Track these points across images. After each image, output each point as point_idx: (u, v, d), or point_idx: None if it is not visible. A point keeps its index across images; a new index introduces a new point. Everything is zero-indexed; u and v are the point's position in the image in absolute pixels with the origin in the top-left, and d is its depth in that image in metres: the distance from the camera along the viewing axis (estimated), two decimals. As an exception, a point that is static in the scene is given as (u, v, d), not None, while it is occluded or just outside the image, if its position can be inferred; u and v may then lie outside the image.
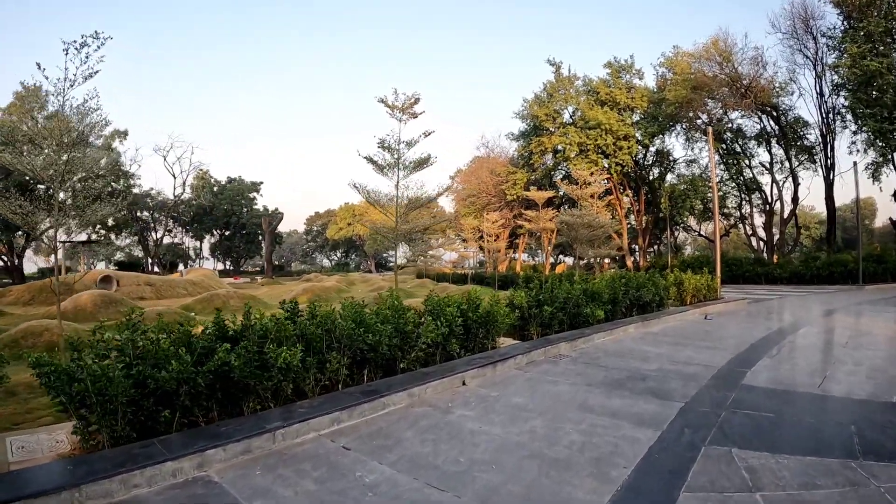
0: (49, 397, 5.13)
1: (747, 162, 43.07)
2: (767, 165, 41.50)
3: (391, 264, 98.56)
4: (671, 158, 48.43)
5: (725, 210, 47.31)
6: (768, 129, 40.39)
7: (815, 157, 38.73)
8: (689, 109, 39.47)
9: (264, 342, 6.05)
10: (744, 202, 46.25)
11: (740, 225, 48.89)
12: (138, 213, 63.92)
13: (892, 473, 3.97)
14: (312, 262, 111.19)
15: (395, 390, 6.33)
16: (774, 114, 38.70)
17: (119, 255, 78.32)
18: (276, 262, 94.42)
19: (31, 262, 75.27)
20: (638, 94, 43.05)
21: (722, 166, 43.14)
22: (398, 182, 10.46)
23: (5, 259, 44.32)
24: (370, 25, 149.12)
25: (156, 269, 62.17)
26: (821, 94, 36.46)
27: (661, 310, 14.39)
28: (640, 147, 44.79)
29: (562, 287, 11.39)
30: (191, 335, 5.88)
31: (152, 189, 68.34)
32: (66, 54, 8.20)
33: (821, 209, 73.87)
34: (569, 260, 63.91)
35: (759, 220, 45.81)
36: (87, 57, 8.14)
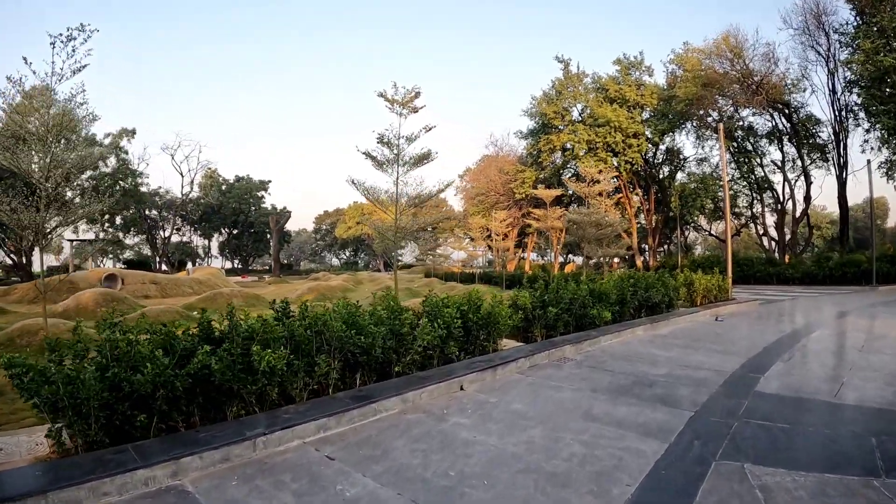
0: (22, 400, 4.88)
1: (759, 160, 42.46)
2: (779, 164, 40.91)
3: (400, 263, 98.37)
4: (681, 157, 47.87)
5: (736, 209, 46.71)
6: (780, 126, 39.79)
7: (828, 155, 38.11)
8: (700, 107, 38.91)
9: (250, 344, 5.80)
10: (755, 201, 45.64)
11: (751, 224, 48.25)
12: (147, 212, 63.97)
13: (922, 494, 3.61)
14: (322, 261, 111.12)
15: (387, 395, 6.01)
16: (786, 111, 38.08)
17: (129, 254, 78.68)
18: (285, 261, 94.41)
19: (46, 260, 75.73)
20: (648, 91, 42.51)
21: (733, 165, 42.56)
22: (398, 178, 10.15)
23: (13, 257, 44.39)
24: (372, 25, 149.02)
25: (164, 267, 62.22)
26: (833, 90, 35.84)
27: (671, 311, 14.00)
28: (649, 145, 44.27)
29: (567, 287, 11.03)
30: (173, 336, 5.61)
31: (160, 187, 68.54)
32: (53, 48, 7.98)
33: (832, 209, 73.11)
34: (578, 259, 63.36)
35: (770, 219, 45.21)
36: (73, 50, 7.94)
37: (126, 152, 50.78)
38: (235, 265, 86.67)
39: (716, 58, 37.94)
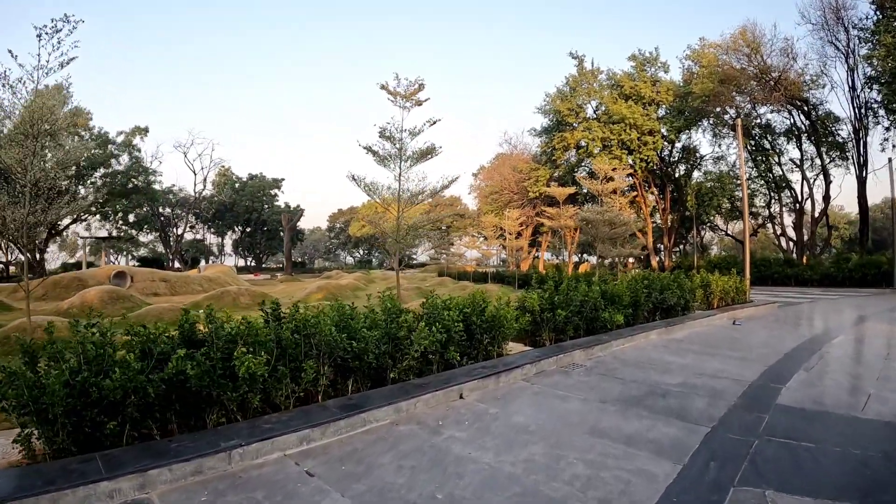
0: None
1: (777, 159, 41.61)
2: (797, 162, 40.03)
3: (415, 261, 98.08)
4: (698, 155, 47.00)
5: (754, 209, 45.81)
6: (798, 124, 38.89)
7: (847, 153, 37.20)
8: (717, 103, 38.12)
9: (234, 347, 5.44)
10: (773, 201, 44.75)
11: (769, 224, 47.32)
12: (160, 210, 64.19)
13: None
14: (336, 259, 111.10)
15: (378, 404, 5.61)
16: (805, 108, 37.18)
17: (143, 251, 79.11)
18: (299, 259, 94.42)
19: (61, 257, 76.53)
20: (663, 87, 41.74)
21: (750, 163, 41.70)
22: (400, 174, 9.74)
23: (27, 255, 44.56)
24: (390, 21, 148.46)
25: (176, 264, 62.35)
26: (853, 87, 34.89)
27: (687, 314, 13.46)
28: (665, 143, 43.49)
29: (578, 289, 10.54)
30: (152, 339, 5.27)
31: (174, 185, 68.78)
32: (40, 40, 7.71)
33: (849, 209, 71.72)
34: (593, 259, 62.67)
35: (788, 219, 44.32)
36: (59, 42, 7.67)
37: (139, 150, 50.92)
38: (249, 263, 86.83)
39: (733, 53, 37.11)
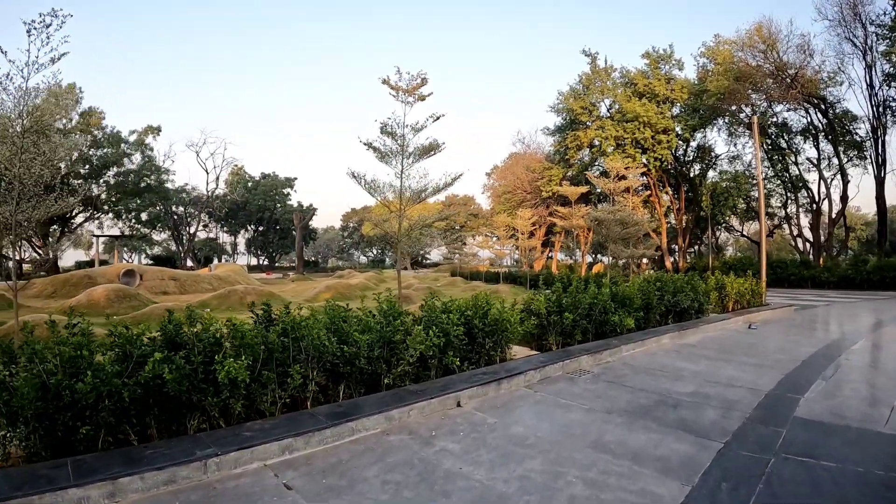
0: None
1: (793, 158, 40.74)
2: (814, 161, 39.17)
3: (428, 261, 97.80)
4: (713, 154, 46.25)
5: (770, 209, 44.98)
6: (815, 122, 38.07)
7: (865, 152, 36.34)
8: (732, 101, 37.37)
9: (218, 350, 5.18)
10: (789, 201, 43.89)
11: (785, 225, 46.44)
12: (173, 208, 64.38)
13: None
14: (349, 259, 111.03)
15: (368, 412, 5.29)
16: (822, 106, 36.34)
17: (157, 250, 79.45)
18: (312, 258, 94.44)
19: (75, 255, 77.12)
20: (678, 85, 41.05)
21: (766, 163, 40.90)
22: (402, 171, 9.42)
23: (40, 252, 44.86)
24: (402, 20, 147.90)
25: (189, 263, 62.50)
26: (871, 85, 34.01)
27: (701, 317, 13.01)
28: (680, 142, 42.79)
29: (587, 291, 10.15)
30: (132, 341, 5.03)
31: (187, 184, 68.98)
32: (30, 35, 7.52)
33: (866, 210, 70.41)
34: (607, 259, 62.18)
35: (804, 219, 43.42)
36: (48, 38, 7.48)
37: (151, 149, 51.05)
38: (261, 262, 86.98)
39: (748, 49, 36.32)
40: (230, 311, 18.19)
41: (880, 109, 34.14)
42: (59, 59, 7.76)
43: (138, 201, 50.98)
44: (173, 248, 70.94)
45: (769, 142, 40.15)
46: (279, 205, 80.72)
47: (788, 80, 34.50)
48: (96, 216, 50.54)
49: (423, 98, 9.45)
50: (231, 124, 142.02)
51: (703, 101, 39.00)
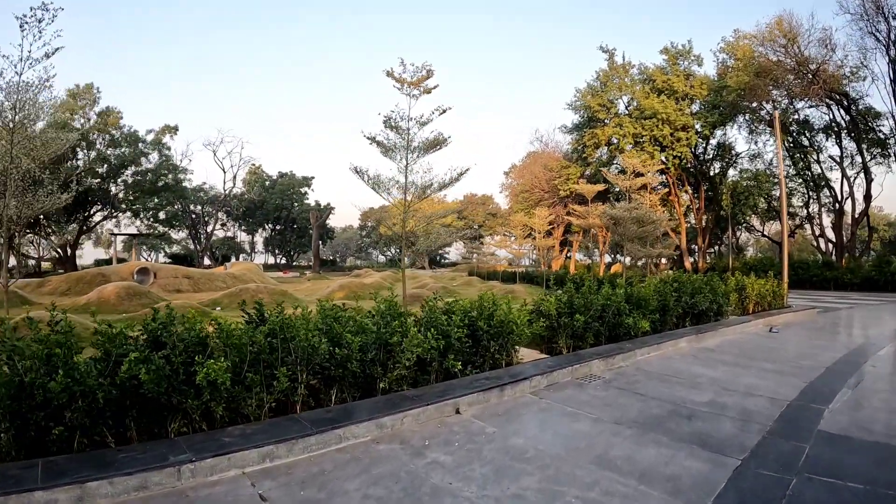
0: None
1: (815, 156, 39.72)
2: (837, 159, 38.16)
3: (446, 260, 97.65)
4: (733, 152, 45.28)
5: (791, 209, 43.92)
6: (838, 119, 37.05)
7: (889, 150, 35.34)
8: (753, 98, 36.47)
9: (202, 351, 4.92)
10: (811, 200, 42.82)
11: (807, 225, 45.33)
12: (191, 207, 64.73)
13: None
14: (367, 258, 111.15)
15: (358, 419, 4.96)
16: (844, 102, 35.32)
17: (176, 248, 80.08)
18: (329, 257, 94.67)
19: (96, 254, 78.04)
20: (697, 82, 40.21)
21: (788, 161, 39.88)
22: (407, 166, 9.07)
23: (59, 250, 45.29)
24: (416, 19, 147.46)
25: (206, 261, 62.80)
26: (894, 80, 33.00)
27: (720, 319, 12.50)
28: (699, 139, 41.93)
29: (600, 292, 9.71)
30: (113, 339, 4.81)
31: (205, 183, 69.35)
32: (23, 30, 7.38)
33: (889, 210, 68.75)
34: (627, 259, 61.56)
35: (826, 219, 42.34)
36: (40, 32, 7.33)
37: (168, 149, 51.30)
38: (279, 261, 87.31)
39: (768, 44, 35.39)
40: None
41: (904, 105, 33.13)
42: (53, 53, 7.65)
43: (156, 200, 51.28)
44: (192, 246, 71.38)
45: (790, 139, 39.20)
46: (296, 204, 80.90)
47: (810, 76, 33.57)
48: (114, 215, 50.89)
49: (428, 91, 9.10)
50: (250, 123, 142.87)
51: (722, 97, 38.19)
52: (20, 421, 4.15)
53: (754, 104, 37.88)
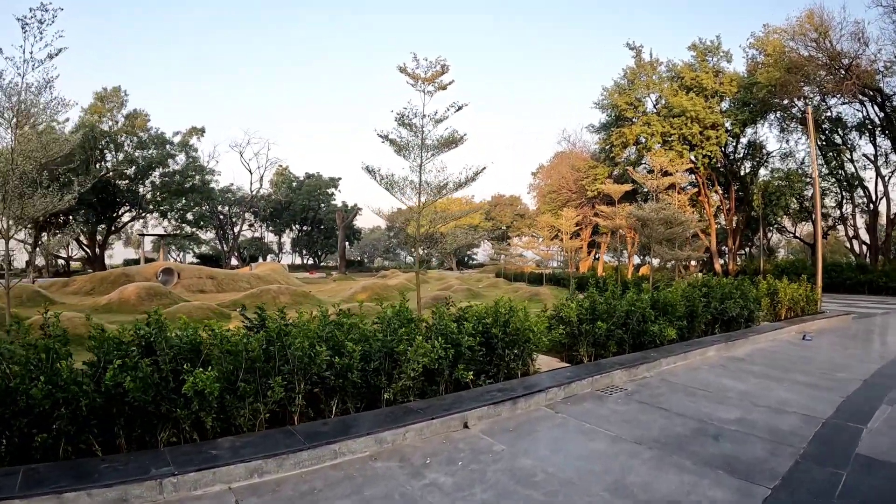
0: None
1: (848, 155, 38.30)
2: (871, 158, 36.80)
3: (474, 262, 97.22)
4: (764, 152, 44.01)
5: (823, 209, 42.46)
6: (871, 116, 35.69)
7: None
8: (784, 94, 35.31)
9: (196, 358, 4.72)
10: (844, 200, 41.38)
11: (839, 226, 43.83)
12: (218, 208, 65.34)
13: None
14: (395, 259, 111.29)
15: (356, 433, 4.67)
16: (879, 99, 33.89)
17: (204, 249, 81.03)
18: (357, 258, 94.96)
19: (126, 254, 79.42)
20: (726, 78, 39.06)
21: (820, 160, 38.54)
22: (421, 165, 8.74)
23: (87, 250, 46.03)
24: (441, 19, 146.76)
25: (234, 262, 63.38)
26: (930, 75, 31.67)
27: (751, 326, 11.94)
28: (729, 137, 40.79)
29: (625, 297, 9.26)
30: (102, 344, 4.69)
31: (232, 184, 69.99)
32: (24, 31, 7.29)
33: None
34: (656, 261, 60.47)
35: (860, 220, 40.86)
36: (41, 33, 7.24)
37: (195, 150, 51.83)
38: (306, 262, 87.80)
39: (799, 38, 34.20)
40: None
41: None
42: (56, 54, 7.56)
43: (183, 201, 51.81)
44: (220, 247, 72.14)
45: (823, 138, 37.87)
46: (323, 205, 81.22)
47: (842, 71, 32.35)
48: (142, 215, 51.58)
49: (444, 87, 8.76)
50: (250, 123, 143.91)
51: (753, 93, 37.06)
52: (4, 427, 4.04)
53: (785, 101, 36.73)
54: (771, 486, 3.89)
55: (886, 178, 36.60)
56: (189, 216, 55.81)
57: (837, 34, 32.80)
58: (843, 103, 36.16)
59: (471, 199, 74.68)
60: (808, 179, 39.23)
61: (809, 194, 40.04)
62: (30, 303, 17.70)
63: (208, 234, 71.65)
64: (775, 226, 50.12)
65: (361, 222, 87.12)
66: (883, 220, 37.23)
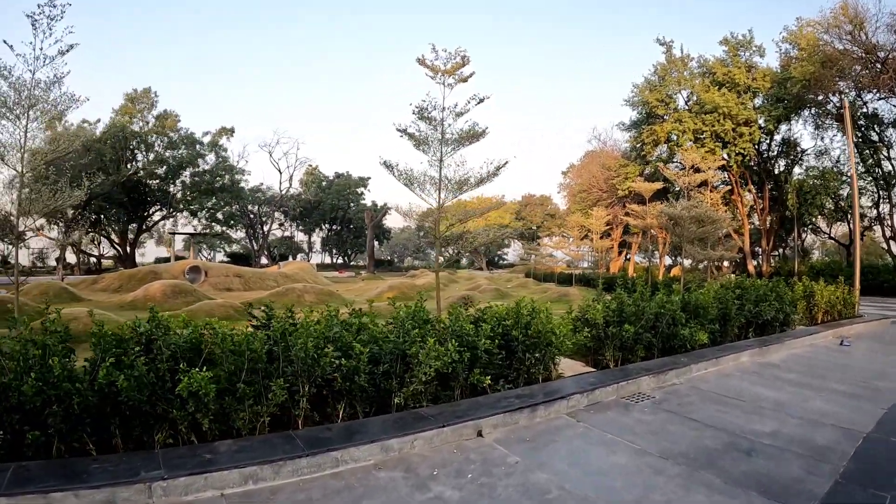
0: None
1: (886, 152, 36.91)
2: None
3: (504, 262, 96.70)
4: (798, 149, 42.66)
5: (860, 209, 40.95)
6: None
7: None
8: (818, 89, 34.13)
9: (196, 357, 4.58)
10: (881, 200, 39.85)
11: (876, 227, 42.24)
12: (248, 207, 66.00)
13: None
14: (425, 258, 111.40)
15: (361, 440, 4.42)
16: (917, 93, 32.65)
17: (235, 247, 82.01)
18: (387, 258, 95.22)
19: (157, 252, 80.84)
20: (759, 74, 37.91)
21: (856, 158, 37.17)
22: (441, 159, 8.44)
23: (118, 248, 46.86)
24: (470, 17, 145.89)
25: (263, 260, 63.96)
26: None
27: (786, 330, 11.40)
28: (763, 134, 39.63)
29: (654, 299, 8.84)
30: (100, 341, 4.55)
31: (262, 184, 70.67)
32: (34, 28, 7.24)
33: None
34: (687, 262, 59.36)
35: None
36: (50, 29, 7.19)
37: (225, 150, 52.47)
38: (334, 260, 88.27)
39: (833, 31, 33.02)
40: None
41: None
42: (68, 50, 7.50)
43: (213, 200, 52.41)
44: (250, 245, 72.93)
45: (859, 134, 36.48)
46: (352, 204, 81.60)
47: (878, 65, 31.16)
48: (173, 214, 52.32)
49: (465, 79, 8.47)
50: (249, 123, 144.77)
51: (786, 89, 35.91)
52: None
53: (820, 96, 35.55)
54: (808, 513, 3.49)
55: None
56: (219, 215, 56.48)
57: (873, 26, 31.63)
58: (880, 98, 34.87)
59: (501, 199, 74.15)
60: (844, 178, 37.92)
61: (845, 193, 38.72)
62: (56, 299, 17.86)
63: (239, 233, 72.41)
64: (810, 226, 48.62)
65: (391, 222, 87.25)
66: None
